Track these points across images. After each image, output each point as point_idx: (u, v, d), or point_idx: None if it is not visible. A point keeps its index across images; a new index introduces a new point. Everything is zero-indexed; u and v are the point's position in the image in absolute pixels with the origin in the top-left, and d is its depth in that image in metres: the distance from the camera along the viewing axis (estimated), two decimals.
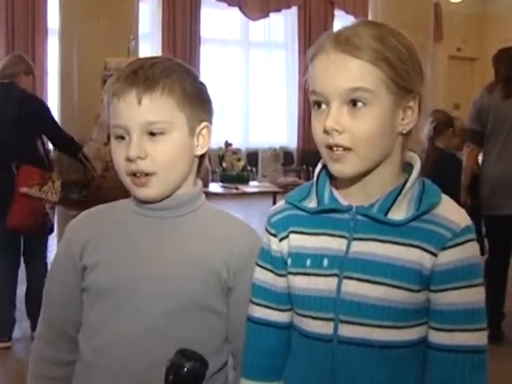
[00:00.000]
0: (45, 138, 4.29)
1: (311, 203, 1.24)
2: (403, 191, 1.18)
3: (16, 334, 4.24)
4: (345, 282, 1.18)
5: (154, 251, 1.33)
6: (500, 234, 4.37)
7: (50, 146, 4.47)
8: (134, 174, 1.30)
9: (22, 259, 4.28)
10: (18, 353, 4.12)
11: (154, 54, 9.97)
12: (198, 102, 1.34)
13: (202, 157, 1.39)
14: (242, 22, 12.27)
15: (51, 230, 4.21)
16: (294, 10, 12.50)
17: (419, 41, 4.80)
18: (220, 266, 1.33)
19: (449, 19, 12.67)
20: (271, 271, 1.28)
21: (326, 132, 1.15)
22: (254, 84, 12.45)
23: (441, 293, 1.16)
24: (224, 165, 6.80)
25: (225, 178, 6.66)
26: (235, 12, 12.01)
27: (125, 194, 1.38)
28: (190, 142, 1.34)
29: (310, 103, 1.20)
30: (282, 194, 5.73)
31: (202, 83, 1.39)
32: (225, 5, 11.87)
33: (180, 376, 1.14)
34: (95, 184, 4.57)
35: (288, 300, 1.26)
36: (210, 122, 1.38)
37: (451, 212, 1.18)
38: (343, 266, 1.18)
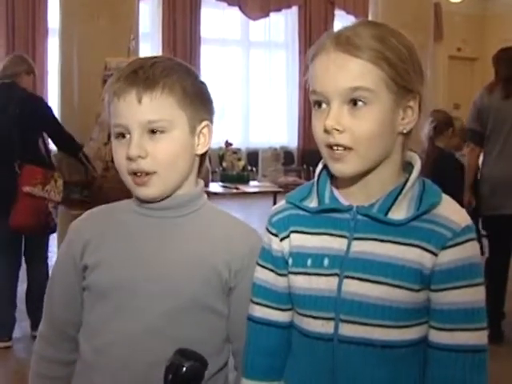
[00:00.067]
0: (46, 138, 4.29)
1: (312, 203, 1.24)
2: (403, 191, 1.18)
3: (16, 333, 4.24)
4: (345, 281, 1.18)
5: (155, 251, 1.33)
6: (500, 233, 4.37)
7: (52, 146, 4.46)
8: (134, 173, 1.30)
9: (22, 259, 4.28)
10: (18, 352, 4.12)
11: (155, 54, 9.96)
12: (198, 101, 1.34)
13: (202, 156, 1.39)
14: (243, 22, 12.27)
15: (53, 230, 4.21)
16: (295, 9, 12.51)
17: (419, 41, 4.79)
18: (221, 266, 1.33)
19: (449, 19, 12.67)
20: (272, 271, 1.28)
21: (326, 131, 1.15)
22: (254, 84, 12.45)
23: (441, 292, 1.16)
24: (224, 164, 6.81)
25: (225, 178, 6.67)
26: (235, 12, 12.02)
27: (126, 194, 1.38)
28: (190, 141, 1.34)
29: (310, 103, 1.21)
30: (283, 193, 5.73)
31: (202, 82, 1.39)
32: (225, 4, 11.88)
33: (179, 375, 1.14)
34: (96, 184, 4.57)
35: (289, 300, 1.27)
36: (211, 121, 1.38)
37: (451, 212, 1.18)
38: (344, 265, 1.18)
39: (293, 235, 1.25)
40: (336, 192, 1.24)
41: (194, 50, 11.64)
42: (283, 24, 12.73)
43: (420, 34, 5.68)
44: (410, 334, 1.18)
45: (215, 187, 6.41)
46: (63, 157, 4.60)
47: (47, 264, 4.27)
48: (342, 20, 12.34)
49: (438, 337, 1.17)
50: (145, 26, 9.93)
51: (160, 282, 1.31)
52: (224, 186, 6.48)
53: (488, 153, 4.42)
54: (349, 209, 1.21)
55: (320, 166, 1.26)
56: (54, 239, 4.58)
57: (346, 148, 1.15)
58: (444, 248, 1.15)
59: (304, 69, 1.23)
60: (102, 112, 4.39)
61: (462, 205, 1.23)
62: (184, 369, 1.14)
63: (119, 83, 1.30)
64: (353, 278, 1.17)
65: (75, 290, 1.39)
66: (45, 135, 4.29)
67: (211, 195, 5.55)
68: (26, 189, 3.97)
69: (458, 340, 1.15)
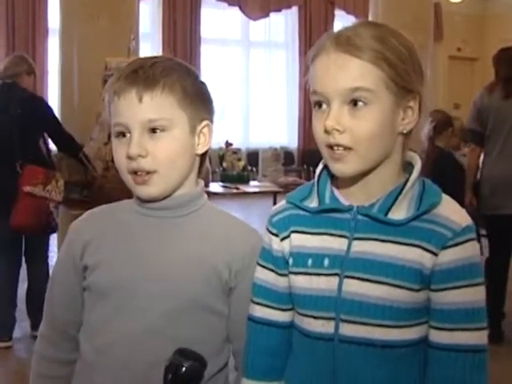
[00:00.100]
0: (47, 138, 4.30)
1: (312, 203, 1.25)
2: (404, 191, 1.18)
3: (16, 333, 4.24)
4: (346, 281, 1.18)
5: (155, 251, 1.33)
6: (500, 233, 4.37)
7: (52, 146, 4.46)
8: (135, 173, 1.30)
9: (23, 259, 4.28)
10: (18, 352, 4.12)
11: (155, 54, 9.97)
12: (198, 101, 1.34)
13: (203, 156, 1.40)
14: (243, 22, 12.27)
15: (54, 230, 4.21)
16: (295, 9, 12.51)
17: (419, 41, 4.79)
18: (221, 266, 1.33)
19: (449, 19, 12.67)
20: (272, 271, 1.28)
21: (326, 132, 1.16)
22: (254, 84, 12.45)
23: (441, 292, 1.16)
24: (224, 164, 6.81)
25: (225, 178, 6.67)
26: (235, 12, 12.01)
27: (127, 193, 1.38)
28: (190, 141, 1.34)
29: (310, 103, 1.21)
30: (283, 193, 5.73)
31: (202, 82, 1.39)
32: (225, 4, 11.87)
33: (179, 375, 1.14)
34: (97, 184, 4.57)
35: (289, 299, 1.27)
36: (211, 120, 1.38)
37: (452, 212, 1.18)
38: (344, 265, 1.19)
39: (293, 235, 1.25)
40: (336, 192, 1.24)
41: (194, 50, 11.64)
42: (283, 24, 12.72)
43: (420, 34, 5.69)
44: (410, 333, 1.18)
45: (215, 187, 6.40)
46: (63, 157, 4.61)
47: (47, 264, 4.27)
48: (342, 20, 12.33)
49: (438, 337, 1.17)
50: (145, 26, 9.92)
51: (160, 282, 1.31)
52: (224, 186, 6.48)
53: (488, 153, 4.42)
54: (349, 209, 1.21)
55: (320, 166, 1.26)
56: (54, 239, 4.58)
57: (346, 148, 1.15)
58: (444, 248, 1.15)
59: (304, 69, 1.23)
60: (102, 112, 4.39)
61: (461, 205, 1.23)
62: (184, 369, 1.14)
63: (119, 82, 1.30)
64: (353, 277, 1.17)
65: (75, 290, 1.39)
66: (45, 135, 4.29)
67: (211, 195, 5.55)
68: (27, 188, 3.98)
69: (458, 340, 1.16)
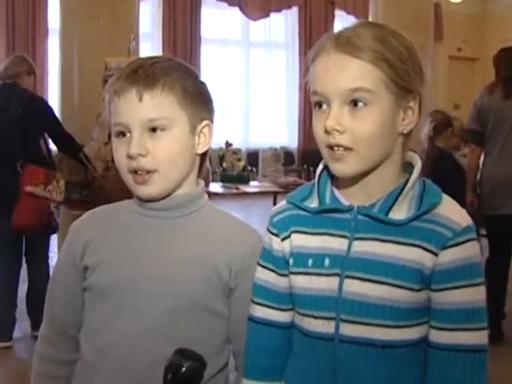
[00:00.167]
0: (47, 138, 4.30)
1: (313, 203, 1.25)
2: (404, 191, 1.19)
3: (17, 333, 4.24)
4: (346, 281, 1.18)
5: (155, 251, 1.33)
6: (500, 233, 4.37)
7: (52, 146, 4.47)
8: (135, 172, 1.30)
9: (23, 259, 4.28)
10: (18, 353, 4.12)
11: (155, 54, 9.97)
12: (199, 101, 1.34)
13: (203, 156, 1.40)
14: (243, 22, 12.27)
15: (55, 230, 4.21)
16: (295, 10, 12.51)
17: (419, 41, 4.80)
18: (222, 267, 1.33)
19: (449, 19, 12.67)
20: (273, 271, 1.28)
21: (326, 132, 1.16)
22: (254, 84, 12.45)
23: (441, 292, 1.16)
24: (224, 165, 6.81)
25: (225, 178, 6.67)
26: (235, 12, 12.02)
27: (127, 193, 1.38)
28: (191, 140, 1.34)
29: (310, 103, 1.21)
30: (283, 194, 5.73)
31: (202, 82, 1.39)
32: (225, 5, 11.87)
33: (178, 375, 1.14)
34: (97, 184, 4.57)
35: (289, 300, 1.27)
36: (212, 120, 1.38)
37: (452, 212, 1.18)
38: (344, 265, 1.19)
39: (294, 235, 1.25)
40: (337, 192, 1.24)
41: (195, 50, 11.64)
42: (283, 24, 12.72)
43: (420, 35, 5.69)
44: (411, 333, 1.18)
45: (215, 187, 6.41)
46: (63, 157, 4.61)
47: (48, 264, 4.27)
48: (342, 20, 12.33)
49: (439, 337, 1.17)
50: (145, 26, 9.92)
51: (160, 282, 1.31)
52: (224, 187, 6.48)
53: (488, 153, 4.41)
54: (349, 209, 1.21)
55: (320, 167, 1.26)
56: (54, 240, 4.57)
57: (346, 148, 1.16)
58: (444, 248, 1.15)
59: (304, 69, 1.23)
60: (102, 112, 4.39)
61: (462, 205, 1.23)
62: (183, 369, 1.14)
63: (119, 82, 1.30)
64: (354, 277, 1.18)
65: (76, 291, 1.39)
66: (46, 135, 4.29)
67: (211, 195, 5.53)
68: (28, 188, 3.98)
69: (459, 340, 1.16)
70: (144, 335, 1.30)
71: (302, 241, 1.24)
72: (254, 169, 8.19)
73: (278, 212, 1.30)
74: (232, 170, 6.79)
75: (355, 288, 1.17)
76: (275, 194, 6.54)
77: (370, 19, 6.73)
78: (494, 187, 4.31)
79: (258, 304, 1.30)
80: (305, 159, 11.79)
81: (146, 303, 1.30)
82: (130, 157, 1.28)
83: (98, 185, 4.55)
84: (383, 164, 1.19)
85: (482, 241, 4.32)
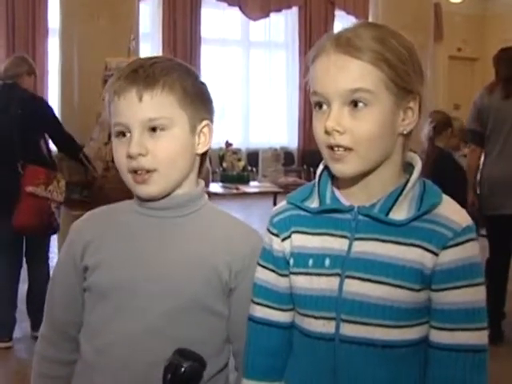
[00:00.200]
0: (47, 138, 4.30)
1: (313, 203, 1.25)
2: (404, 191, 1.19)
3: (17, 334, 4.24)
4: (347, 281, 1.18)
5: (155, 251, 1.33)
6: (500, 233, 4.37)
7: (52, 146, 4.47)
8: (135, 172, 1.30)
9: (23, 259, 4.28)
10: (18, 353, 4.12)
11: (155, 54, 9.97)
12: (198, 101, 1.34)
13: (203, 156, 1.40)
14: (243, 22, 12.27)
15: (56, 230, 4.21)
16: (295, 10, 12.51)
17: (419, 41, 4.80)
18: (222, 267, 1.33)
19: (449, 19, 12.67)
20: (273, 271, 1.28)
21: (327, 132, 1.16)
22: (254, 84, 12.45)
23: (442, 292, 1.16)
24: (224, 165, 6.81)
25: (225, 178, 6.67)
26: (235, 12, 12.02)
27: (127, 194, 1.38)
28: (191, 140, 1.34)
29: (310, 103, 1.21)
30: (283, 194, 5.73)
31: (202, 83, 1.39)
32: (225, 5, 11.87)
33: (178, 375, 1.14)
34: (97, 184, 4.57)
35: (290, 300, 1.27)
36: (211, 120, 1.38)
37: (452, 212, 1.18)
38: (345, 265, 1.19)
39: (294, 235, 1.25)
40: (337, 192, 1.24)
41: (195, 50, 11.64)
42: (283, 24, 12.72)
43: (420, 35, 5.69)
44: (411, 334, 1.18)
45: (215, 187, 6.41)
46: (64, 157, 4.61)
47: (48, 264, 4.27)
48: (342, 20, 12.33)
49: (439, 336, 1.17)
50: (145, 26, 9.92)
51: (160, 282, 1.31)
52: (224, 187, 6.48)
53: (488, 153, 4.41)
54: (350, 209, 1.21)
55: (321, 167, 1.26)
56: (54, 240, 4.57)
57: (346, 149, 1.16)
58: (445, 248, 1.15)
59: (304, 69, 1.23)
60: (102, 112, 4.39)
61: (461, 205, 1.23)
62: (183, 369, 1.14)
63: (119, 82, 1.30)
64: (354, 278, 1.18)
65: (76, 291, 1.39)
66: (46, 136, 4.29)
67: (211, 195, 5.54)
68: (29, 189, 3.98)
69: (459, 340, 1.16)
70: (144, 335, 1.30)
71: (302, 241, 1.24)
72: (254, 169, 8.19)
73: (278, 212, 1.30)
74: (232, 170, 6.79)
75: (355, 288, 1.17)
76: (275, 195, 6.54)
77: (370, 19, 6.73)
78: (494, 187, 4.31)
79: (258, 304, 1.30)
80: (305, 159, 11.80)
81: (145, 303, 1.30)
82: (129, 156, 1.29)
83: (98, 185, 4.55)
84: (383, 164, 1.19)
85: (482, 241, 4.31)
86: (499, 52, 4.54)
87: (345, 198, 1.23)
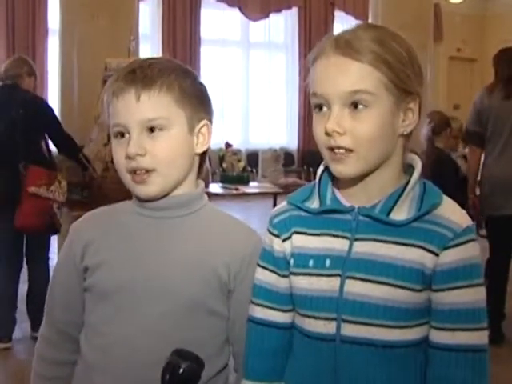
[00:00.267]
0: (47, 139, 4.30)
1: (313, 204, 1.25)
2: (405, 192, 1.19)
3: (16, 334, 4.23)
4: (347, 281, 1.18)
5: (154, 252, 1.33)
6: (501, 234, 4.37)
7: (52, 147, 4.47)
8: (134, 172, 1.30)
9: (24, 260, 4.28)
10: (18, 354, 4.12)
11: (155, 55, 9.98)
12: (197, 101, 1.34)
13: (202, 156, 1.40)
14: (242, 23, 12.28)
15: (58, 230, 4.21)
16: (295, 10, 12.51)
17: (419, 41, 4.81)
18: (221, 267, 1.33)
19: (449, 20, 12.68)
20: (273, 272, 1.28)
21: (327, 134, 1.16)
22: (254, 85, 12.46)
23: (442, 292, 1.16)
24: (224, 165, 6.82)
25: (225, 179, 6.68)
26: (235, 12, 12.02)
27: (126, 194, 1.38)
28: (189, 140, 1.34)
29: (310, 103, 1.21)
30: (283, 194, 5.73)
31: (201, 83, 1.39)
32: (225, 5, 11.88)
33: (176, 376, 1.14)
34: (96, 184, 4.57)
35: (290, 300, 1.27)
36: (210, 120, 1.38)
37: (452, 212, 1.18)
38: (345, 266, 1.19)
39: (294, 236, 1.25)
40: (337, 193, 1.24)
41: (194, 50, 11.64)
42: (283, 25, 12.73)
43: (420, 35, 5.69)
44: (412, 334, 1.18)
45: (215, 188, 6.42)
46: (64, 158, 4.61)
47: (48, 265, 4.27)
48: (341, 21, 12.36)
49: (439, 337, 1.17)
50: (145, 27, 9.94)
51: (159, 283, 1.31)
52: (224, 187, 6.49)
53: (488, 153, 4.41)
54: (350, 210, 1.21)
55: (321, 168, 1.27)
56: (54, 240, 4.57)
57: (346, 150, 1.16)
58: (445, 248, 1.15)
59: (304, 70, 1.23)
60: (101, 113, 4.39)
61: (461, 206, 1.23)
62: (181, 369, 1.14)
63: (118, 83, 1.31)
64: (355, 278, 1.18)
65: (76, 292, 1.39)
66: (46, 136, 4.29)
67: (211, 196, 5.55)
68: (32, 189, 3.98)
69: (459, 340, 1.16)
70: (144, 336, 1.30)
71: (302, 241, 1.24)
72: (254, 169, 8.21)
73: (278, 213, 1.30)
74: (232, 170, 6.79)
75: (356, 289, 1.17)
76: (275, 195, 6.54)
77: (370, 20, 6.74)
78: (495, 188, 4.30)
79: (258, 305, 1.30)
80: (304, 160, 11.80)
81: (146, 304, 1.30)
82: (128, 157, 1.29)
83: (98, 185, 4.55)
84: (384, 165, 1.20)
85: (482, 241, 4.32)
86: (499, 52, 4.53)
87: (345, 198, 1.23)
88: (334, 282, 1.19)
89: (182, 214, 1.36)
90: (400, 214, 1.18)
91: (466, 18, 13.38)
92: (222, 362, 1.38)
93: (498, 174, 4.29)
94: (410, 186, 1.19)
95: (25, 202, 3.97)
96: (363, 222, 1.20)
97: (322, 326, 1.20)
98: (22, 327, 4.30)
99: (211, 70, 11.71)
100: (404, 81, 1.16)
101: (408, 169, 1.24)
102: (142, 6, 6.93)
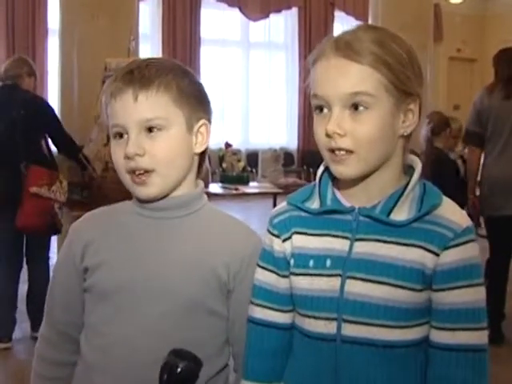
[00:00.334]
0: (48, 139, 4.30)
1: (314, 204, 1.25)
2: (405, 193, 1.19)
3: (16, 334, 4.23)
4: (348, 282, 1.18)
5: (154, 252, 1.33)
6: (500, 234, 4.37)
7: (52, 147, 4.47)
8: (133, 172, 1.30)
9: (24, 260, 4.28)
10: (18, 354, 4.12)
11: (154, 55, 9.99)
12: (195, 101, 1.34)
13: (201, 156, 1.40)
14: (242, 23, 12.28)
15: (59, 230, 4.21)
16: (295, 10, 12.51)
17: (419, 41, 4.81)
18: (220, 268, 1.33)
19: (449, 20, 12.68)
20: (273, 272, 1.28)
21: (328, 136, 1.16)
22: (253, 85, 12.46)
23: (442, 292, 1.17)
24: (224, 165, 6.82)
25: (225, 179, 6.68)
26: (235, 12, 12.02)
27: (126, 194, 1.38)
28: (188, 140, 1.34)
29: (310, 104, 1.21)
30: (283, 194, 5.73)
31: (199, 83, 1.39)
32: (225, 5, 11.88)
33: (174, 375, 1.14)
34: (96, 185, 4.57)
35: (290, 301, 1.27)
36: (209, 120, 1.38)
37: (452, 213, 1.19)
38: (346, 266, 1.19)
39: (295, 236, 1.26)
40: (338, 193, 1.24)
41: (194, 50, 11.64)
42: (283, 25, 12.74)
43: (420, 35, 5.70)
44: (412, 334, 1.19)
45: (215, 188, 6.42)
46: (64, 158, 4.61)
47: (48, 265, 4.27)
48: (341, 21, 12.36)
49: (439, 336, 1.18)
50: (145, 27, 9.94)
51: (159, 283, 1.31)
52: (224, 187, 6.49)
53: (488, 153, 4.41)
54: (351, 210, 1.21)
55: (321, 168, 1.27)
56: (54, 240, 4.57)
57: (347, 151, 1.16)
58: (446, 248, 1.16)
59: (304, 71, 1.23)
60: (101, 113, 4.38)
61: (461, 206, 1.23)
62: (179, 369, 1.14)
63: (116, 83, 1.31)
64: (355, 278, 1.18)
65: (76, 292, 1.39)
66: (46, 136, 4.30)
67: (211, 196, 5.54)
68: (33, 189, 3.98)
69: (459, 340, 1.16)
70: (144, 336, 1.30)
71: (303, 242, 1.24)
72: (254, 169, 8.21)
73: (278, 213, 1.30)
74: (232, 170, 6.80)
75: (357, 289, 1.17)
76: (275, 195, 6.54)
77: (370, 20, 6.74)
78: (494, 188, 4.30)
79: (258, 305, 1.30)
80: (304, 160, 11.80)
81: (145, 304, 1.31)
82: (127, 157, 1.29)
83: (97, 186, 4.55)
84: (384, 166, 1.20)
85: (482, 241, 4.32)
86: (499, 52, 4.53)
87: (345, 199, 1.23)
88: (335, 282, 1.19)
89: (181, 214, 1.36)
90: (400, 214, 1.18)
91: (466, 18, 13.38)
92: (222, 362, 1.38)
93: (497, 174, 4.29)
94: (410, 186, 1.19)
95: (26, 202, 3.97)
96: (364, 222, 1.20)
97: (323, 326, 1.20)
98: (22, 327, 4.30)
99: (211, 70, 11.71)
100: (404, 82, 1.16)
101: (408, 170, 1.24)
102: (142, 6, 6.94)
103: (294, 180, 8.23)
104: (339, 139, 1.15)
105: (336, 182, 1.24)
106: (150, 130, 1.29)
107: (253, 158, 10.36)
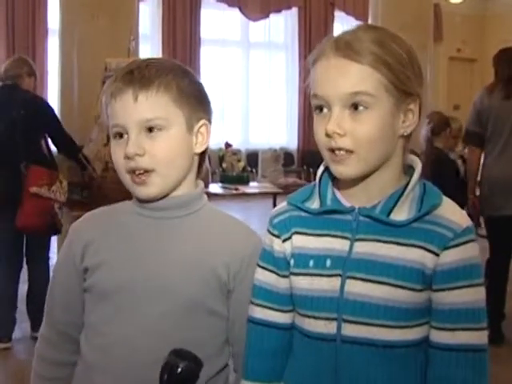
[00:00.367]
0: (48, 139, 4.30)
1: (314, 204, 1.25)
2: (405, 193, 1.19)
3: (16, 334, 4.24)
4: (348, 282, 1.18)
5: (154, 252, 1.33)
6: (500, 234, 4.37)
7: (52, 147, 4.47)
8: (133, 172, 1.30)
9: (24, 260, 4.28)
10: (18, 354, 4.12)
11: (154, 55, 9.99)
12: (195, 101, 1.34)
13: (201, 156, 1.40)
14: (242, 23, 12.28)
15: (59, 230, 4.21)
16: (294, 10, 12.51)
17: (419, 41, 4.81)
18: (220, 268, 1.33)
19: (449, 20, 12.68)
20: (273, 272, 1.28)
21: (328, 136, 1.16)
22: (254, 85, 12.46)
23: (442, 292, 1.17)
24: (224, 165, 6.82)
25: (225, 179, 6.69)
26: (235, 13, 12.02)
27: (126, 194, 1.38)
28: (188, 140, 1.34)
29: (310, 104, 1.21)
30: (283, 194, 5.73)
31: (199, 83, 1.39)
32: (225, 5, 11.88)
33: (174, 375, 1.14)
34: (96, 184, 4.57)
35: (290, 301, 1.27)
36: (209, 120, 1.38)
37: (452, 213, 1.19)
38: (346, 266, 1.19)
39: (295, 236, 1.26)
40: (338, 193, 1.24)
41: (194, 50, 11.64)
42: (283, 25, 12.74)
43: (420, 35, 5.70)
44: (412, 334, 1.19)
45: (215, 188, 6.42)
46: (64, 158, 4.61)
47: (48, 265, 4.27)
48: (341, 21, 12.36)
49: (439, 336, 1.18)
50: (145, 27, 9.94)
51: (159, 283, 1.31)
52: (224, 187, 6.49)
53: (488, 153, 4.41)
54: (351, 210, 1.21)
55: (321, 168, 1.27)
56: (54, 240, 4.57)
57: (347, 151, 1.16)
58: (446, 248, 1.16)
59: (304, 71, 1.23)
60: (101, 113, 4.38)
61: (461, 206, 1.24)
62: (179, 369, 1.14)
63: (116, 84, 1.31)
64: (355, 278, 1.18)
65: (76, 292, 1.39)
66: (46, 136, 4.30)
67: (211, 196, 5.54)
68: (33, 189, 3.98)
69: (459, 339, 1.16)
70: (144, 336, 1.30)
71: (303, 242, 1.24)
72: (254, 169, 8.21)
73: (278, 213, 1.30)
74: (232, 170, 6.80)
75: (357, 289, 1.18)
76: (275, 195, 6.54)
77: (370, 20, 6.74)
78: (494, 188, 4.30)
79: (258, 305, 1.30)
80: (304, 160, 11.80)
81: (145, 304, 1.31)
82: (127, 157, 1.29)
83: (97, 186, 4.55)
84: (384, 166, 1.20)
85: (482, 241, 4.31)
86: (499, 52, 4.53)
87: (345, 199, 1.23)
88: (335, 282, 1.19)
89: (181, 214, 1.36)
90: (400, 214, 1.18)
91: (465, 18, 13.38)
92: (222, 362, 1.38)
93: (497, 174, 4.29)
94: (410, 186, 1.19)
95: (26, 202, 3.98)
96: (364, 222, 1.20)
97: (323, 326, 1.20)
98: (22, 327, 4.30)
99: (211, 70, 11.71)
100: (404, 82, 1.16)
101: (408, 170, 1.24)
102: (142, 6, 6.94)
103: (294, 180, 8.23)
104: (339, 139, 1.15)
105: (336, 182, 1.24)
106: (150, 130, 1.29)
107: (253, 158, 10.37)
